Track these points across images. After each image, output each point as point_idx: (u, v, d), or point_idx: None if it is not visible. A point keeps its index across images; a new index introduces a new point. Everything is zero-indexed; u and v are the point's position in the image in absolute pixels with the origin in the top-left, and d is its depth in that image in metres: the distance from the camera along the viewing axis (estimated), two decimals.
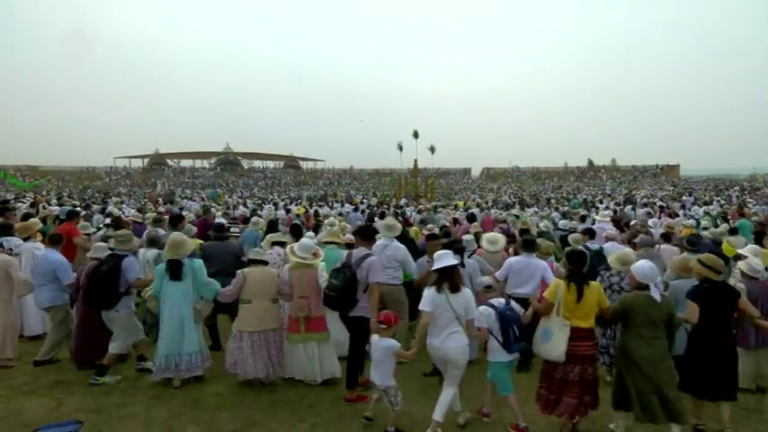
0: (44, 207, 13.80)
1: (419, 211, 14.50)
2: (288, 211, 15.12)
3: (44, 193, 33.99)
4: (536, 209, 16.19)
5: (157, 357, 5.13)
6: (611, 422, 4.25)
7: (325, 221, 9.53)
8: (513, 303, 4.47)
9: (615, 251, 5.99)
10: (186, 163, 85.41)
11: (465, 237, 6.46)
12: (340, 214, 13.66)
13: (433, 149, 66.17)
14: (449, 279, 4.13)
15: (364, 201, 23.47)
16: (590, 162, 78.75)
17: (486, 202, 20.31)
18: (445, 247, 5.37)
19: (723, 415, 4.20)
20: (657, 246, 7.23)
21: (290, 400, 4.89)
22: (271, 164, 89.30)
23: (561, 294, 4.12)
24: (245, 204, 20.70)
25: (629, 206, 16.41)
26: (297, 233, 6.83)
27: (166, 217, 9.16)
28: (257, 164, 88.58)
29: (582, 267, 4.25)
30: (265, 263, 5.39)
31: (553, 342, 4.07)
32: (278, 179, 73.73)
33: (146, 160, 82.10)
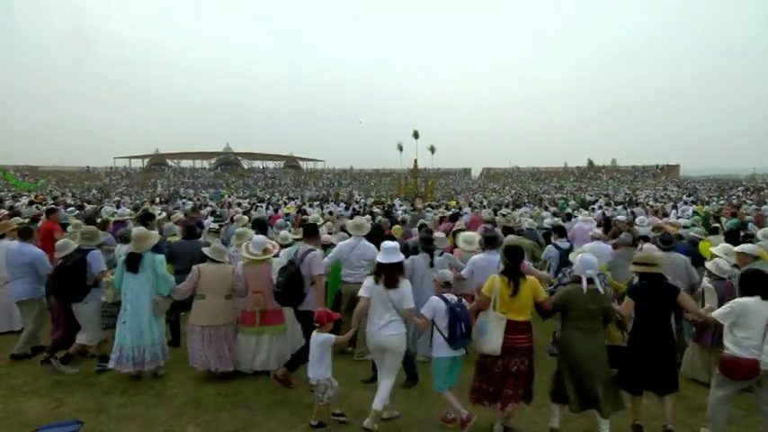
0: (38, 208, 13.85)
1: (414, 211, 14.55)
2: (276, 210, 15.24)
3: (47, 192, 34.03)
4: (527, 208, 16.16)
5: (116, 348, 5.21)
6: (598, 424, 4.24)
7: (310, 219, 9.80)
8: (465, 301, 4.50)
9: (599, 250, 6.08)
10: (186, 163, 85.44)
11: (436, 235, 6.55)
12: (330, 213, 13.83)
13: (432, 150, 66.15)
14: (386, 274, 4.23)
15: (360, 200, 23.54)
16: (590, 162, 78.76)
17: (481, 202, 20.38)
18: (423, 242, 5.89)
19: (667, 411, 4.23)
20: (639, 245, 7.30)
21: (290, 400, 4.89)
22: (271, 164, 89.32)
23: (497, 289, 4.17)
24: (238, 205, 20.81)
25: (620, 206, 16.33)
26: (261, 230, 6.88)
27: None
28: (257, 164, 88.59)
29: (518, 262, 4.27)
30: (223, 260, 5.48)
31: (489, 336, 4.13)
32: (278, 179, 73.74)
33: (146, 160, 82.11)
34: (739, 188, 34.49)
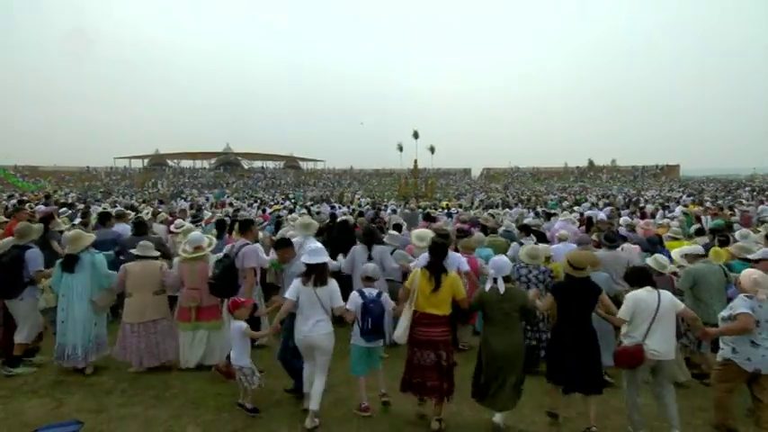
0: (32, 207, 13.86)
1: (407, 210, 14.83)
2: (264, 210, 15.39)
3: (48, 191, 34.03)
4: (518, 209, 16.19)
5: (58, 347, 5.33)
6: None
7: (289, 218, 10.19)
8: (384, 296, 4.58)
9: (566, 250, 6.32)
10: (186, 163, 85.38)
11: (391, 233, 6.72)
12: (318, 213, 14.02)
13: (432, 150, 66.28)
14: (316, 273, 4.39)
15: (359, 200, 23.69)
16: (590, 162, 78.75)
17: (472, 203, 20.52)
18: (366, 236, 6.17)
19: (590, 411, 4.30)
20: (620, 245, 7.34)
21: (290, 401, 4.88)
22: (271, 164, 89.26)
23: (417, 283, 4.27)
24: (230, 205, 21.02)
25: (609, 207, 16.27)
26: (220, 228, 6.95)
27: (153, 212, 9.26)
28: (257, 164, 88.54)
29: (441, 258, 4.36)
30: (153, 257, 5.65)
31: (398, 325, 4.34)
32: (278, 179, 73.73)
33: (146, 160, 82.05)
34: (746, 188, 34.43)
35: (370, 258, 6.05)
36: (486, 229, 8.65)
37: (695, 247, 5.74)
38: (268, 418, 4.55)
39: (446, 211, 14.94)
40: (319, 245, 4.77)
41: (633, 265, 5.54)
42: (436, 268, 4.28)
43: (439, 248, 4.39)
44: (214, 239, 6.12)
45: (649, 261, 5.54)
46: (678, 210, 14.35)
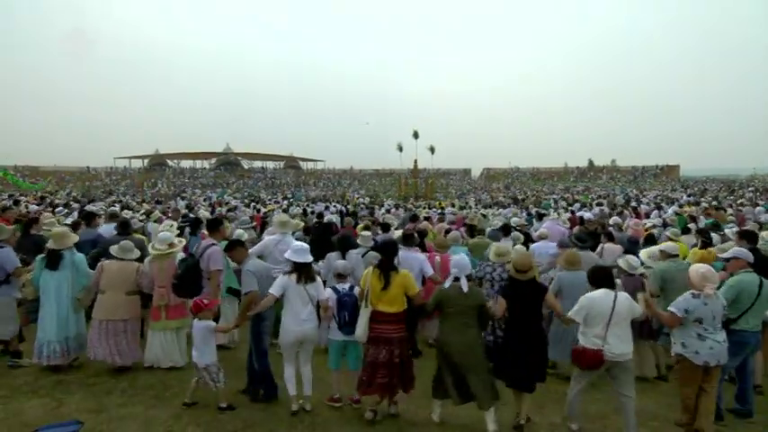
0: (26, 207, 13.89)
1: (399, 209, 15.12)
2: (258, 210, 15.46)
3: (46, 192, 34.04)
4: (511, 209, 16.22)
5: (37, 342, 5.41)
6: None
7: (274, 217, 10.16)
8: (357, 290, 4.69)
9: (545, 248, 6.48)
10: (186, 163, 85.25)
11: (363, 234, 6.88)
12: (312, 212, 14.11)
13: (432, 150, 66.09)
14: (304, 272, 4.56)
15: (358, 200, 23.85)
16: (590, 162, 78.67)
17: (466, 203, 20.65)
18: (340, 242, 6.30)
19: (522, 406, 4.42)
20: (601, 245, 7.44)
21: (290, 400, 4.88)
22: (271, 164, 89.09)
23: (369, 281, 4.41)
24: (226, 204, 21.12)
25: (599, 207, 16.27)
26: (215, 228, 6.98)
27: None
28: (257, 164, 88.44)
29: (391, 257, 4.50)
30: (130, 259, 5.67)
31: (358, 324, 4.45)
32: (278, 179, 73.71)
33: (146, 160, 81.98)
34: (750, 188, 34.40)
35: (343, 258, 6.07)
36: (473, 229, 8.70)
37: (669, 244, 5.75)
38: (268, 418, 4.55)
39: (439, 211, 15.01)
40: (302, 244, 4.87)
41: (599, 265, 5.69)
42: (385, 267, 4.42)
43: (388, 247, 4.58)
44: (183, 241, 6.23)
45: (620, 262, 5.60)
46: (671, 210, 14.36)
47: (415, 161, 38.37)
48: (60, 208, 13.93)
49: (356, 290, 4.69)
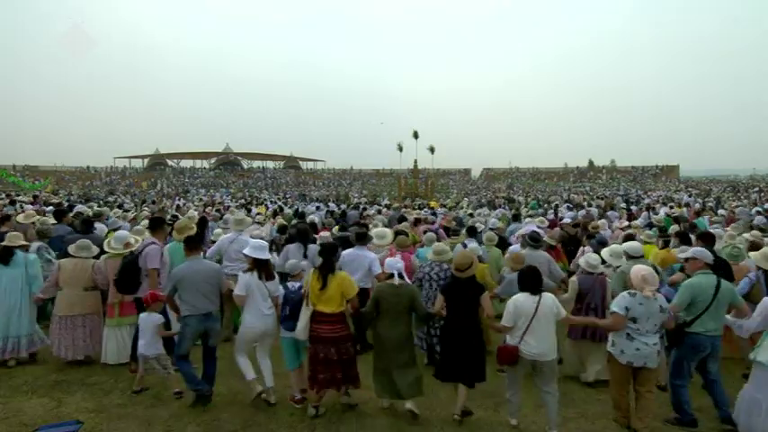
0: (21, 206, 13.92)
1: (387, 208, 15.46)
2: (249, 210, 15.60)
3: (46, 192, 34.05)
4: (502, 210, 16.25)
5: None
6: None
7: (230, 216, 10.34)
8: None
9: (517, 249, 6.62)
10: (186, 163, 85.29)
11: (322, 234, 7.12)
12: (299, 212, 14.23)
13: (432, 150, 66.15)
14: (265, 269, 4.80)
15: (355, 200, 24.04)
16: (590, 162, 78.68)
17: (456, 203, 20.81)
18: (298, 235, 6.50)
19: (459, 400, 4.49)
20: (582, 247, 7.59)
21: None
22: (271, 164, 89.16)
23: (309, 282, 4.59)
24: (219, 203, 21.20)
25: (586, 209, 16.29)
26: (158, 226, 7.04)
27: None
28: (257, 164, 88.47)
29: (330, 258, 4.67)
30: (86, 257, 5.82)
31: (300, 324, 4.57)
32: (278, 179, 73.69)
33: (146, 160, 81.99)
34: (755, 189, 34.42)
35: (305, 257, 6.26)
36: (448, 231, 8.82)
37: (632, 245, 5.78)
38: (268, 418, 4.55)
39: (431, 211, 15.14)
40: (261, 241, 5.07)
41: (550, 265, 5.96)
42: (324, 268, 4.58)
43: (326, 250, 4.77)
44: (140, 239, 6.22)
45: (581, 261, 5.67)
46: (662, 212, 14.38)
47: (415, 161, 38.39)
48: (51, 207, 13.97)
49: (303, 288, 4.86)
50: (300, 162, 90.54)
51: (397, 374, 4.47)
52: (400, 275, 4.56)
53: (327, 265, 4.60)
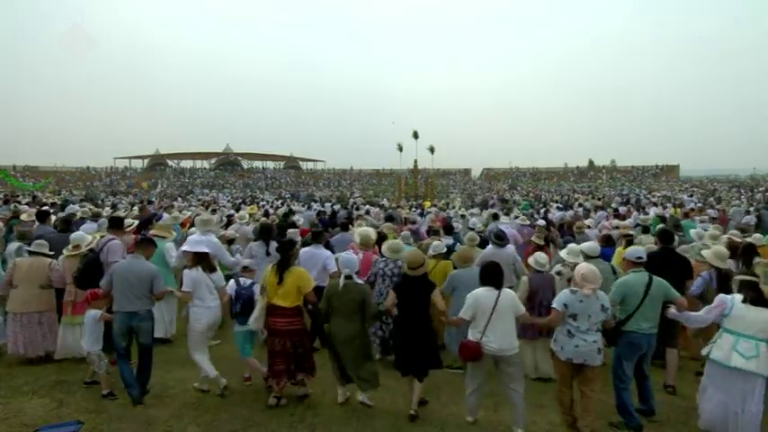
0: (15, 206, 13.96)
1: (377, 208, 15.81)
2: (238, 210, 15.64)
3: (46, 192, 34.10)
4: (496, 210, 16.29)
5: None
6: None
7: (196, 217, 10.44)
8: (256, 286, 5.08)
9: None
10: (186, 163, 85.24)
11: (289, 231, 7.28)
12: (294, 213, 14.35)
13: (432, 150, 66.13)
14: (204, 261, 5.07)
15: (351, 200, 24.17)
16: (590, 162, 78.64)
17: (447, 204, 20.96)
18: (261, 232, 6.82)
19: (414, 396, 4.61)
20: (507, 243, 7.46)
21: (290, 400, 4.90)
22: (271, 164, 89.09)
23: (266, 277, 4.78)
24: (213, 202, 21.24)
25: (580, 209, 16.29)
26: (116, 225, 7.11)
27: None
28: (257, 164, 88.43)
29: (287, 254, 4.79)
30: (44, 254, 5.92)
31: (253, 315, 4.82)
32: (278, 179, 73.68)
33: (146, 161, 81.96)
34: (760, 188, 34.43)
35: (267, 254, 6.45)
36: (429, 230, 8.94)
37: (589, 244, 5.84)
38: (268, 417, 4.56)
39: (419, 211, 15.28)
40: (196, 237, 5.19)
41: (515, 262, 6.05)
42: (280, 264, 4.75)
43: (282, 246, 4.89)
44: (98, 237, 6.31)
45: (530, 260, 5.74)
46: (652, 212, 14.38)
47: (415, 161, 38.39)
48: (46, 207, 14.01)
49: (255, 286, 5.07)
50: (300, 162, 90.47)
51: (351, 369, 4.63)
52: (348, 276, 4.65)
53: (284, 261, 4.76)
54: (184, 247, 5.02)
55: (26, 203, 16.42)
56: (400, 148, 68.72)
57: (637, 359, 4.50)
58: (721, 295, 4.24)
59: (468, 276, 5.33)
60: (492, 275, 4.33)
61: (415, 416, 4.52)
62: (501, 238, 6.73)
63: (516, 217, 11.83)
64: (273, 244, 6.47)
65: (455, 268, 5.87)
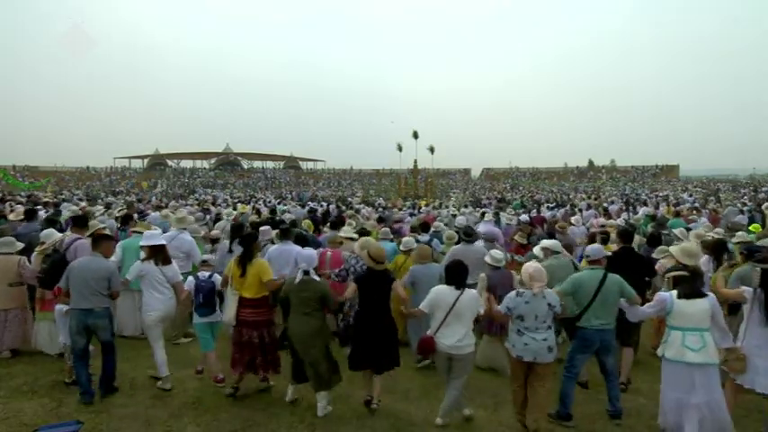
0: (11, 206, 13.99)
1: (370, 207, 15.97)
2: (235, 208, 15.71)
3: (45, 192, 34.09)
4: (487, 209, 16.31)
5: None
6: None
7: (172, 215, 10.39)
8: (216, 277, 5.31)
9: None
10: (186, 163, 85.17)
11: (262, 228, 7.32)
12: (288, 212, 14.55)
13: (432, 150, 66.08)
14: (159, 254, 5.20)
15: (353, 199, 24.35)
16: (590, 162, 78.60)
17: (441, 204, 21.06)
18: (232, 231, 7.11)
19: (374, 389, 4.68)
20: (476, 239, 7.56)
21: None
22: (271, 164, 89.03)
23: (231, 269, 4.93)
24: (206, 201, 21.31)
25: (564, 208, 16.31)
26: (80, 224, 7.13)
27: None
28: (257, 164, 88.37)
29: (248, 247, 4.95)
30: (10, 252, 5.95)
31: (225, 308, 4.97)
32: (278, 179, 73.68)
33: (146, 160, 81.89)
34: (764, 188, 34.40)
35: (230, 251, 6.72)
36: (412, 229, 9.11)
37: (551, 242, 5.90)
38: (268, 418, 4.56)
39: (409, 210, 15.44)
40: (153, 231, 5.56)
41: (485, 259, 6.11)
42: (242, 257, 4.90)
43: (244, 240, 5.11)
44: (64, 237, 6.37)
45: (486, 257, 5.85)
46: (642, 211, 14.39)
47: (415, 161, 38.36)
48: (39, 206, 14.04)
49: (215, 276, 5.28)
50: (300, 162, 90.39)
51: (307, 367, 4.61)
52: (306, 272, 4.67)
53: (245, 254, 4.90)
54: (141, 242, 5.23)
55: (18, 204, 16.46)
56: (400, 148, 68.72)
57: (590, 354, 4.56)
58: (660, 293, 4.36)
59: (426, 273, 5.51)
60: (455, 275, 4.38)
61: (376, 408, 4.61)
62: (470, 235, 6.83)
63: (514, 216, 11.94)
64: (236, 242, 6.58)
65: None
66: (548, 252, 5.81)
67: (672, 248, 5.44)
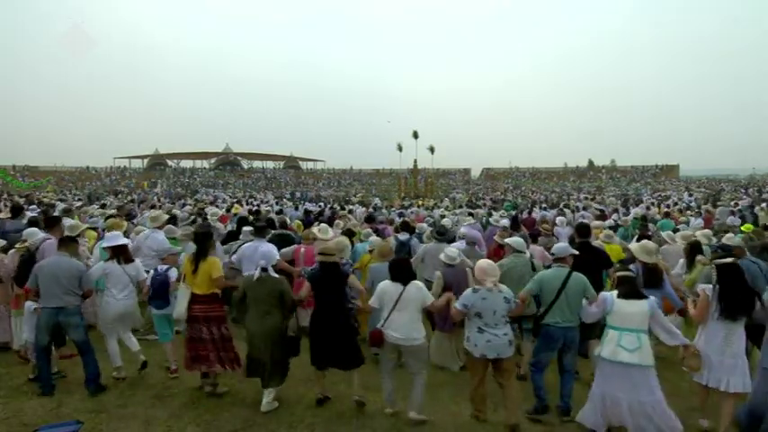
0: (6, 205, 14.04)
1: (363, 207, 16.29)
2: (228, 209, 15.89)
3: (45, 193, 34.13)
4: (483, 210, 16.31)
5: None
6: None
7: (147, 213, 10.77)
8: (173, 271, 5.49)
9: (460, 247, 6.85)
10: (186, 163, 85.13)
11: (244, 228, 7.47)
12: (281, 211, 14.55)
13: (432, 150, 66.06)
14: (122, 254, 5.37)
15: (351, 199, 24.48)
16: (590, 162, 78.60)
17: (436, 204, 21.06)
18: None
19: (354, 383, 4.73)
20: (532, 245, 7.63)
21: (290, 400, 4.90)
22: (271, 164, 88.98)
23: (184, 265, 5.05)
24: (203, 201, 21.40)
25: (556, 208, 16.34)
26: (53, 224, 7.07)
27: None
28: (257, 164, 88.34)
29: (202, 245, 5.03)
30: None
31: (176, 303, 4.99)
32: (278, 179, 73.66)
33: (146, 160, 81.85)
34: (767, 189, 34.46)
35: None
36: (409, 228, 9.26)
37: (514, 239, 5.91)
38: (268, 418, 4.56)
39: (397, 211, 15.63)
40: (119, 232, 5.68)
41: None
42: (196, 254, 5.00)
43: (198, 237, 5.20)
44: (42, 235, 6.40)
45: (441, 256, 5.87)
46: (633, 212, 14.40)
47: (415, 161, 38.46)
48: (33, 206, 14.11)
49: (171, 270, 5.50)
50: (300, 162, 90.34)
51: (261, 364, 4.66)
52: (264, 269, 4.72)
53: (199, 252, 4.99)
54: (104, 244, 5.37)
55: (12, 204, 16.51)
56: (400, 148, 68.63)
57: (555, 351, 4.61)
58: (602, 293, 4.42)
59: (383, 270, 5.52)
60: (397, 272, 4.52)
61: (359, 402, 4.66)
62: (442, 234, 7.07)
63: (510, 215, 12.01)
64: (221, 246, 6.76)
65: None
66: (509, 249, 5.80)
67: (632, 246, 5.51)
